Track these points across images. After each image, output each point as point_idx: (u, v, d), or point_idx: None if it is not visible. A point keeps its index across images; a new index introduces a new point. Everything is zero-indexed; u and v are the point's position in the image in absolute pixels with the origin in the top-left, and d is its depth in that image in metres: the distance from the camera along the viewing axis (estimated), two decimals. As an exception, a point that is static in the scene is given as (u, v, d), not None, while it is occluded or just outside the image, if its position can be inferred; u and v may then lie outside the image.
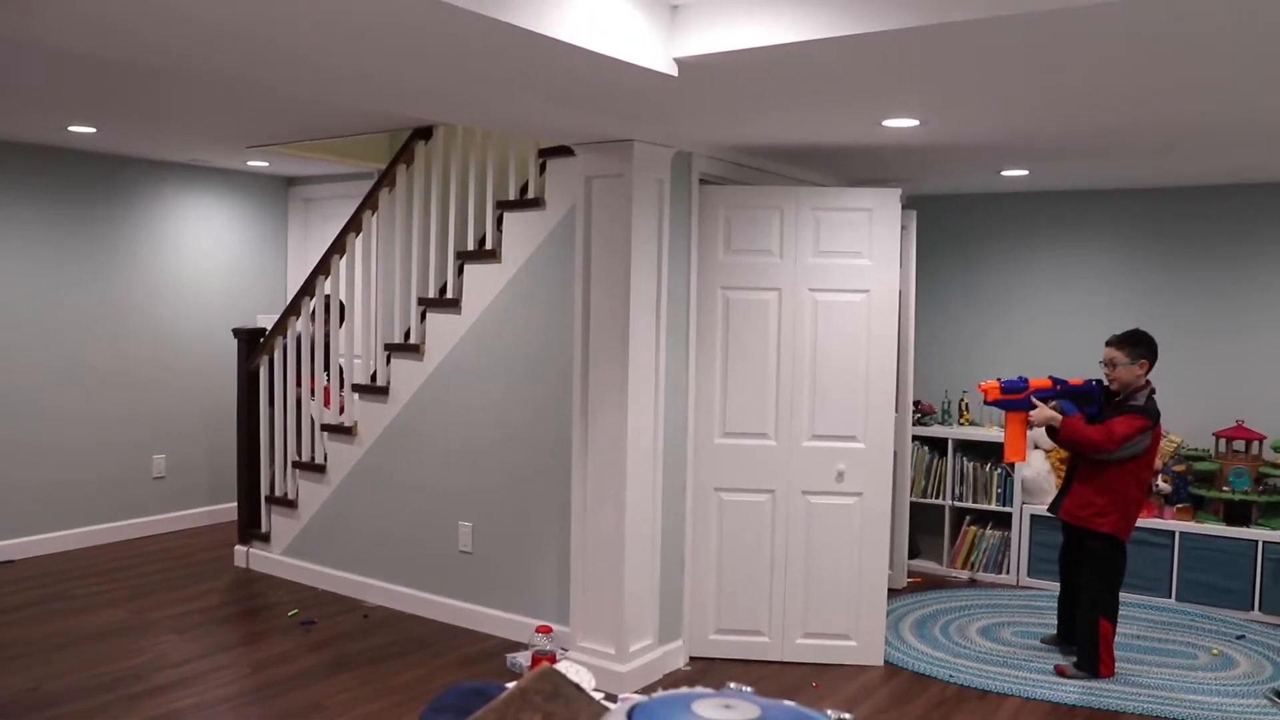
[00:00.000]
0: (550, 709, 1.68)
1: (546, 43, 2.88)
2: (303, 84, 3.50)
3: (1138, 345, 4.94)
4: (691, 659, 5.16)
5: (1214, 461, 6.17)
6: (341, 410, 6.17)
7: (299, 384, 6.42)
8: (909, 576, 6.61)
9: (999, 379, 5.10)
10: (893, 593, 6.17)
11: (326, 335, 6.30)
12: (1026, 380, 5.07)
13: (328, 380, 6.32)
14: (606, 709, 1.58)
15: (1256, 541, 5.92)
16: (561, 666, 1.85)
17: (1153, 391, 4.95)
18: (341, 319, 6.26)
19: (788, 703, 1.22)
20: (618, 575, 4.73)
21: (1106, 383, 5.06)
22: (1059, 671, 5.02)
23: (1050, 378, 5.12)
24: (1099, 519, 4.92)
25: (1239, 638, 5.61)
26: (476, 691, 1.85)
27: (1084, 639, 5.04)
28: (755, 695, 1.21)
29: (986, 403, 5.10)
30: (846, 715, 1.15)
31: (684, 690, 1.24)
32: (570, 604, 4.95)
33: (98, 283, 7.10)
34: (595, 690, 1.82)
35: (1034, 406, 5.03)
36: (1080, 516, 4.99)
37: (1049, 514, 5.38)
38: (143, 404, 7.35)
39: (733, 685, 1.27)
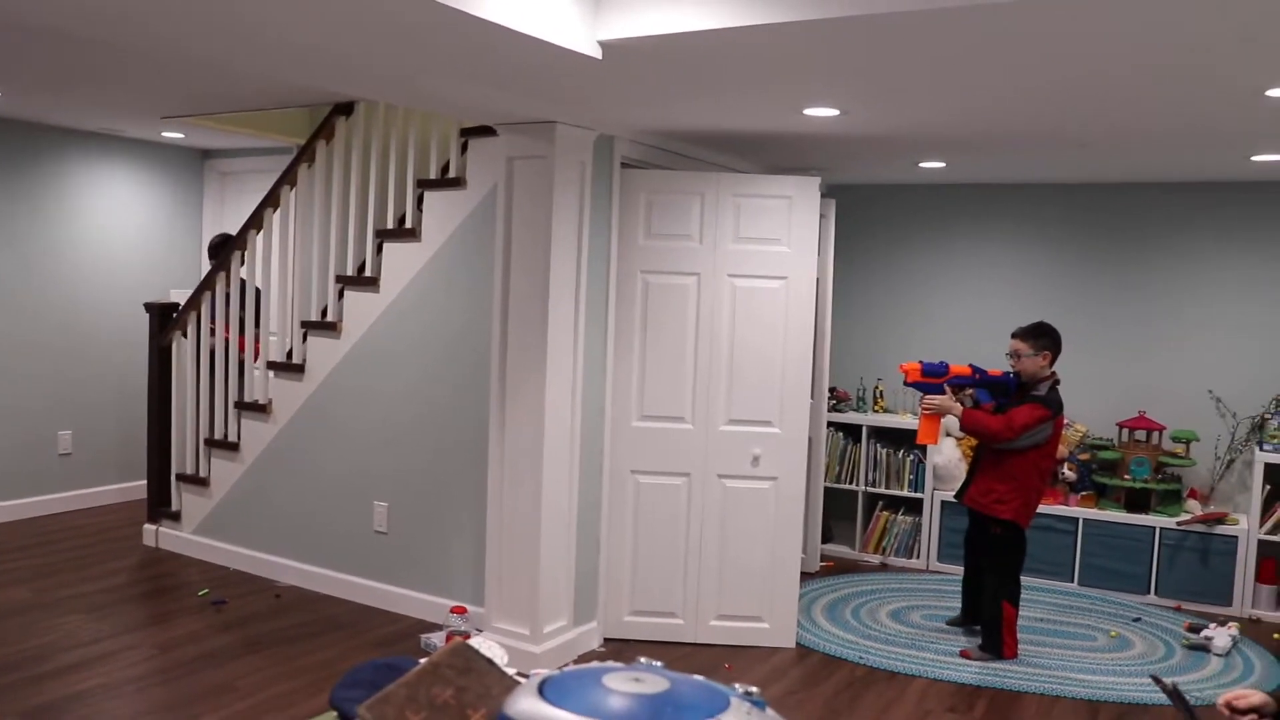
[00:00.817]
0: (463, 683, 1.69)
1: (470, 21, 2.86)
2: (224, 51, 3.42)
3: (1041, 337, 5.06)
4: (606, 640, 5.19)
5: (1117, 451, 6.36)
6: (256, 358, 6.09)
7: (212, 333, 6.29)
8: (822, 560, 6.71)
9: (921, 361, 5.19)
10: (806, 576, 6.25)
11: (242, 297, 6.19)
12: (947, 365, 5.16)
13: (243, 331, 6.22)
14: (518, 683, 1.59)
15: (1154, 528, 6.11)
16: (474, 642, 1.86)
17: (1056, 382, 5.08)
18: (257, 304, 6.15)
19: (697, 677, 1.24)
20: (533, 556, 4.74)
21: (1015, 373, 5.18)
22: (964, 655, 5.14)
23: (970, 365, 5.23)
24: (1000, 506, 5.04)
25: (1136, 620, 5.79)
26: (389, 667, 1.85)
27: (988, 622, 5.17)
28: (665, 670, 1.23)
29: (907, 383, 5.18)
30: (754, 689, 1.17)
31: (595, 664, 1.26)
32: (485, 585, 4.94)
33: (3, 253, 6.89)
34: (508, 667, 1.83)
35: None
36: (983, 503, 5.11)
37: (955, 500, 5.49)
38: (49, 378, 7.16)
39: (643, 660, 1.28)
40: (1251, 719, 2.33)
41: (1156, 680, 2.41)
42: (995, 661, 5.08)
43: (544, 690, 1.19)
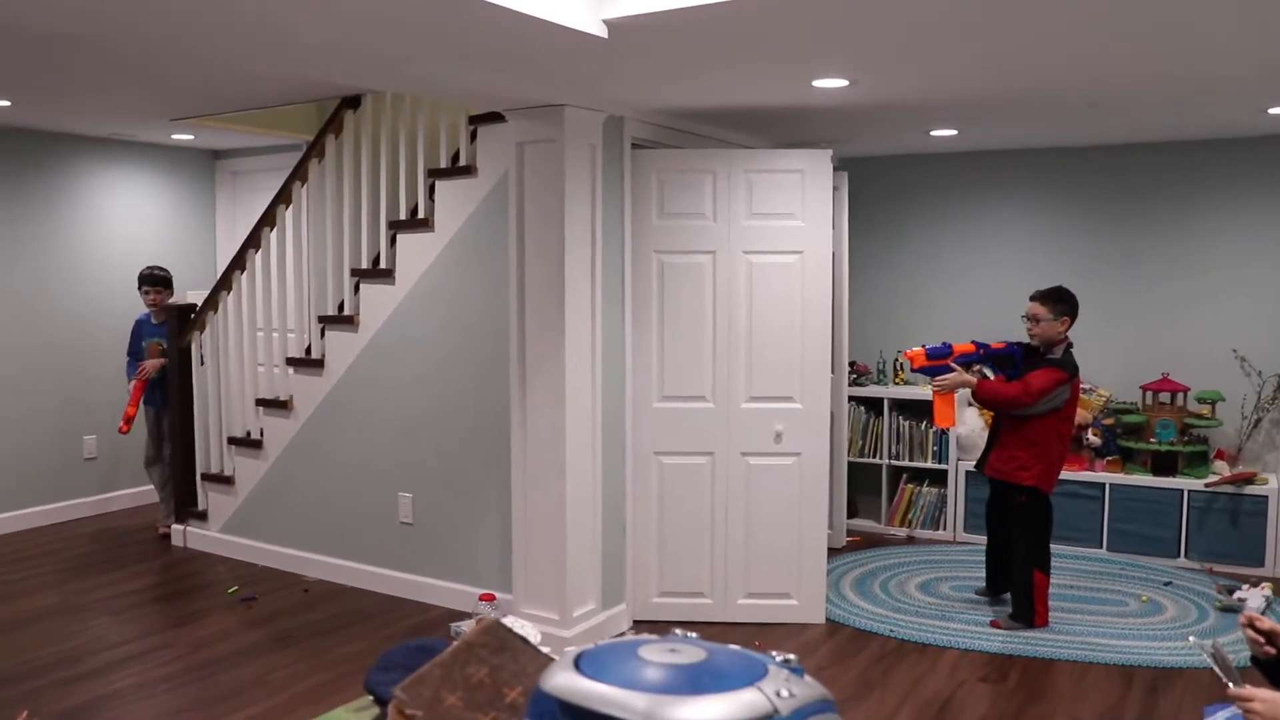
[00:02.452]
0: (497, 662, 1.68)
1: (474, 4, 2.84)
2: (228, 48, 3.42)
3: (1060, 302, 5.01)
4: (635, 622, 5.19)
5: (1141, 414, 6.31)
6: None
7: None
8: (848, 535, 6.69)
9: (924, 345, 5.16)
10: (832, 551, 6.24)
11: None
12: (950, 346, 5.13)
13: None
14: (552, 660, 1.58)
15: (1182, 490, 6.07)
16: (507, 621, 1.85)
17: (1070, 346, 5.04)
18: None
19: (733, 647, 1.23)
20: (559, 541, 4.74)
21: (1028, 338, 5.14)
22: (995, 625, 5.12)
23: (973, 342, 5.20)
24: (1022, 473, 5.01)
25: (1166, 584, 5.76)
26: (423, 649, 1.85)
27: (1018, 591, 5.14)
28: (701, 640, 1.22)
29: (913, 369, 5.16)
30: (791, 657, 1.16)
31: (630, 637, 1.25)
32: (513, 571, 4.95)
33: (21, 262, 6.92)
34: (541, 646, 1.83)
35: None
36: (1004, 471, 5.08)
37: (976, 471, 5.46)
38: (72, 385, 7.19)
39: (678, 631, 1.27)
40: (1266, 648, 2.31)
41: (1198, 644, 2.37)
42: (1026, 630, 5.06)
43: (580, 664, 1.18)
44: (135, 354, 6.75)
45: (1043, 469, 5.00)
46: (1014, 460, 5.03)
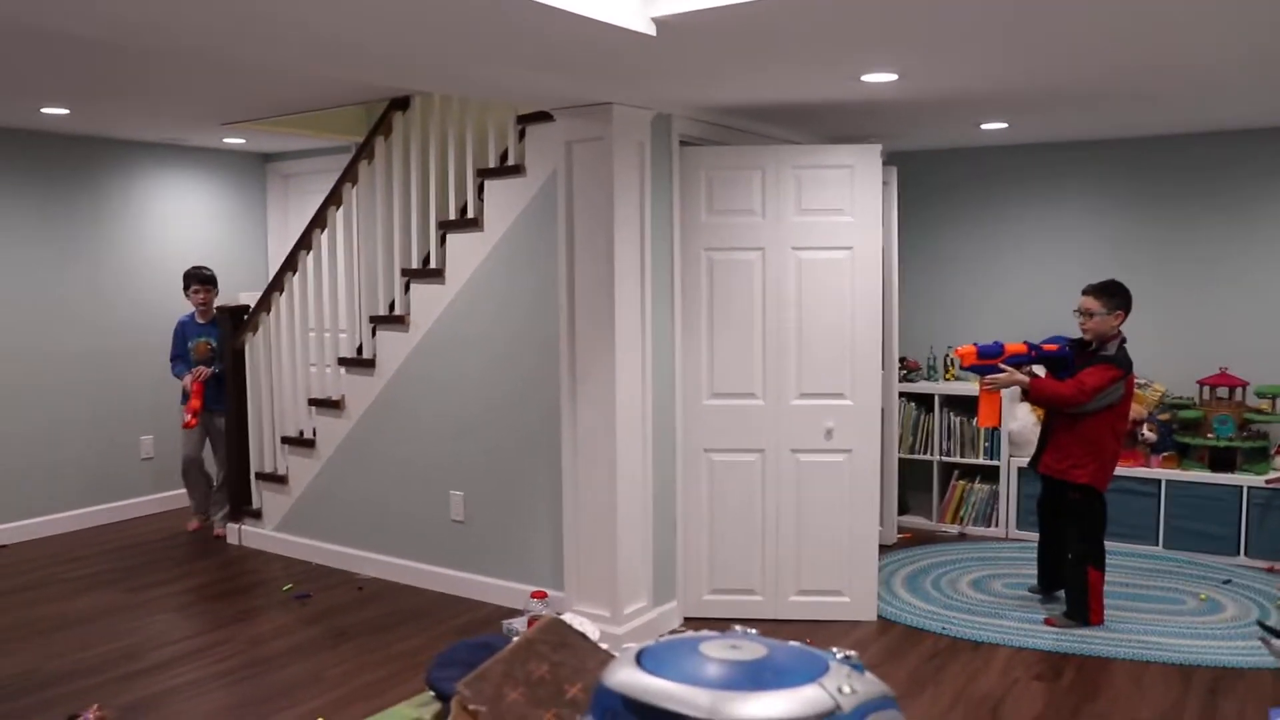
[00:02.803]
0: (558, 658, 1.69)
1: (522, 4, 2.85)
2: (279, 54, 3.46)
3: (1115, 296, 4.95)
4: (686, 620, 5.19)
5: (1198, 409, 6.22)
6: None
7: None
8: (899, 532, 6.65)
9: (975, 344, 5.11)
10: (884, 548, 6.21)
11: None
12: (1002, 345, 5.08)
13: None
14: (613, 656, 1.59)
15: (1241, 487, 5.98)
16: (566, 618, 1.86)
17: (1123, 341, 4.97)
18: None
19: (793, 643, 1.23)
20: (611, 538, 4.75)
21: (1080, 333, 5.08)
22: (1049, 623, 5.07)
23: (1026, 343, 5.15)
24: (1077, 470, 4.96)
25: (1226, 582, 5.67)
26: (483, 645, 1.86)
27: (1073, 589, 5.08)
28: (761, 637, 1.22)
29: (963, 367, 5.12)
30: (852, 653, 1.16)
31: (691, 634, 1.25)
32: (564, 569, 4.97)
33: (78, 266, 7.05)
34: (600, 643, 1.84)
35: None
36: (1059, 469, 5.02)
37: (1029, 469, 5.40)
38: (129, 385, 7.32)
39: (739, 628, 1.27)
40: None
41: (1264, 627, 2.33)
42: (1081, 629, 5.01)
43: (642, 660, 1.19)
44: (180, 357, 6.79)
45: (1097, 466, 4.95)
46: (1068, 458, 4.98)
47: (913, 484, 7.03)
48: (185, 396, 6.68)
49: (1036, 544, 5.48)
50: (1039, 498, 5.38)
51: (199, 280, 6.75)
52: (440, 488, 5.65)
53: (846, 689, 1.07)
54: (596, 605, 4.83)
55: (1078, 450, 4.95)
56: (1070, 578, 5.10)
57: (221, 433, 6.77)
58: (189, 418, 6.61)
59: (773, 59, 3.82)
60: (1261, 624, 2.32)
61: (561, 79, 4.03)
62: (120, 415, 7.26)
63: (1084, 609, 5.03)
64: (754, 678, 1.08)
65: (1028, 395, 5.04)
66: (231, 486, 6.67)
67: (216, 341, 6.72)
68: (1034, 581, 5.55)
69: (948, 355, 6.98)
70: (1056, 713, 4.17)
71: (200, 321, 6.78)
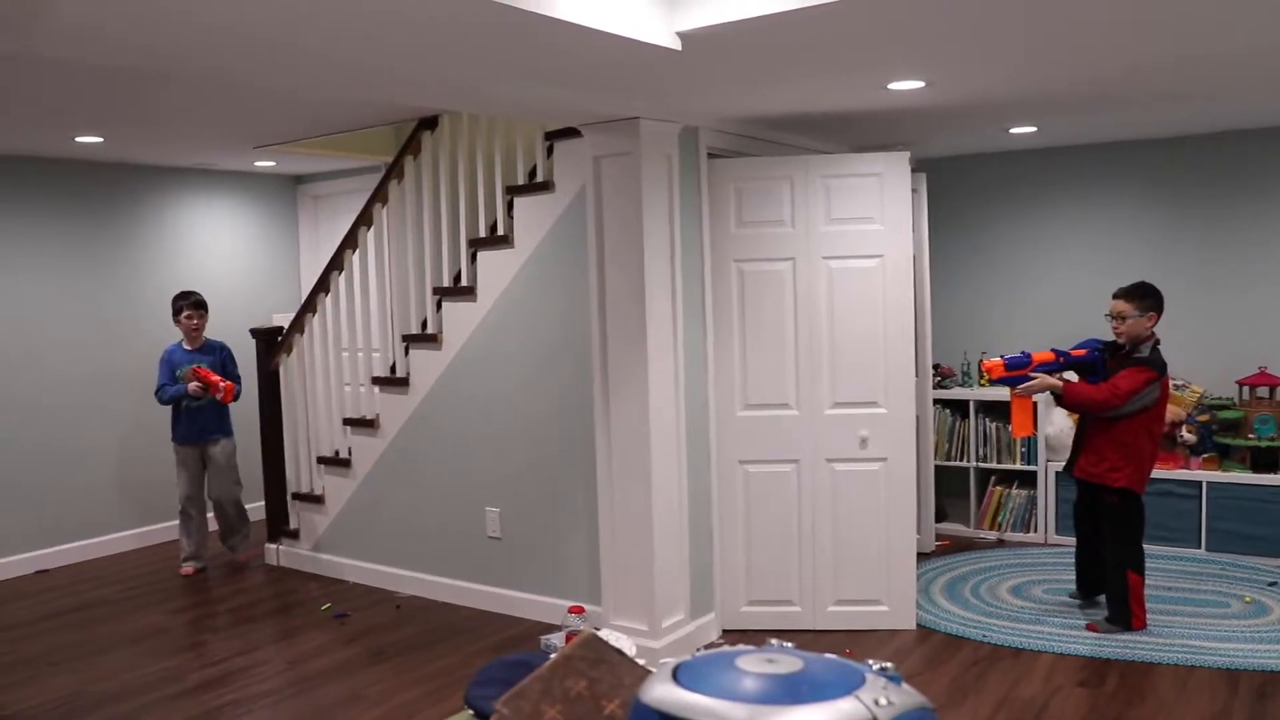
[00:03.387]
0: (595, 675, 1.69)
1: (547, 23, 2.87)
2: (308, 81, 3.50)
3: (1146, 297, 4.91)
4: (724, 632, 5.17)
5: (1238, 409, 6.15)
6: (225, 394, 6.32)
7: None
8: (937, 540, 6.61)
9: (1002, 356, 5.08)
10: (922, 556, 6.16)
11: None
12: (1029, 355, 5.06)
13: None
14: (649, 672, 1.59)
15: (1284, 487, 5.90)
16: (603, 634, 1.86)
17: (1157, 343, 4.93)
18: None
19: (829, 656, 1.23)
20: (647, 552, 4.75)
21: (1113, 335, 5.04)
22: (1091, 629, 5.02)
23: (1053, 350, 5.13)
24: (1114, 474, 4.91)
25: (1272, 584, 5.60)
26: (520, 663, 1.86)
27: (1114, 594, 5.03)
28: (797, 650, 1.22)
29: (991, 380, 5.09)
30: (889, 665, 1.15)
31: (727, 648, 1.25)
32: (601, 583, 4.97)
33: (112, 291, 7.14)
34: (636, 658, 1.83)
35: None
36: (1095, 474, 4.98)
37: (1064, 474, 5.34)
38: (162, 410, 7.35)
39: (774, 642, 1.27)
40: None
41: None
42: (1124, 634, 4.95)
43: (678, 675, 1.19)
44: (167, 387, 6.40)
45: (1134, 470, 4.90)
46: (1104, 462, 4.94)
47: (950, 491, 6.99)
48: (184, 393, 6.30)
49: (1075, 549, 5.43)
50: (1075, 502, 5.33)
51: (191, 305, 6.42)
52: (476, 504, 5.67)
53: (883, 701, 1.07)
54: (634, 619, 4.82)
55: (1114, 454, 4.91)
56: (1110, 583, 5.05)
57: (220, 464, 6.51)
58: (224, 394, 6.25)
59: (798, 70, 3.83)
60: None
61: (588, 95, 4.05)
62: (159, 439, 7.28)
63: (1126, 614, 4.98)
64: (790, 691, 1.08)
65: (1061, 400, 5.00)
66: (270, 507, 6.70)
67: (208, 368, 6.36)
68: (1074, 587, 5.50)
69: (982, 361, 6.92)
70: (1101, 719, 4.13)
71: (188, 348, 6.46)
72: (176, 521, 6.76)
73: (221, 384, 6.26)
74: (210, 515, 6.67)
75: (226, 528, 6.67)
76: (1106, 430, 4.93)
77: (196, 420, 6.44)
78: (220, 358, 6.53)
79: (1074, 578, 5.51)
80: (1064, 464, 5.41)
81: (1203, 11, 3.25)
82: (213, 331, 7.04)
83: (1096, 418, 4.96)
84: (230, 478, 6.59)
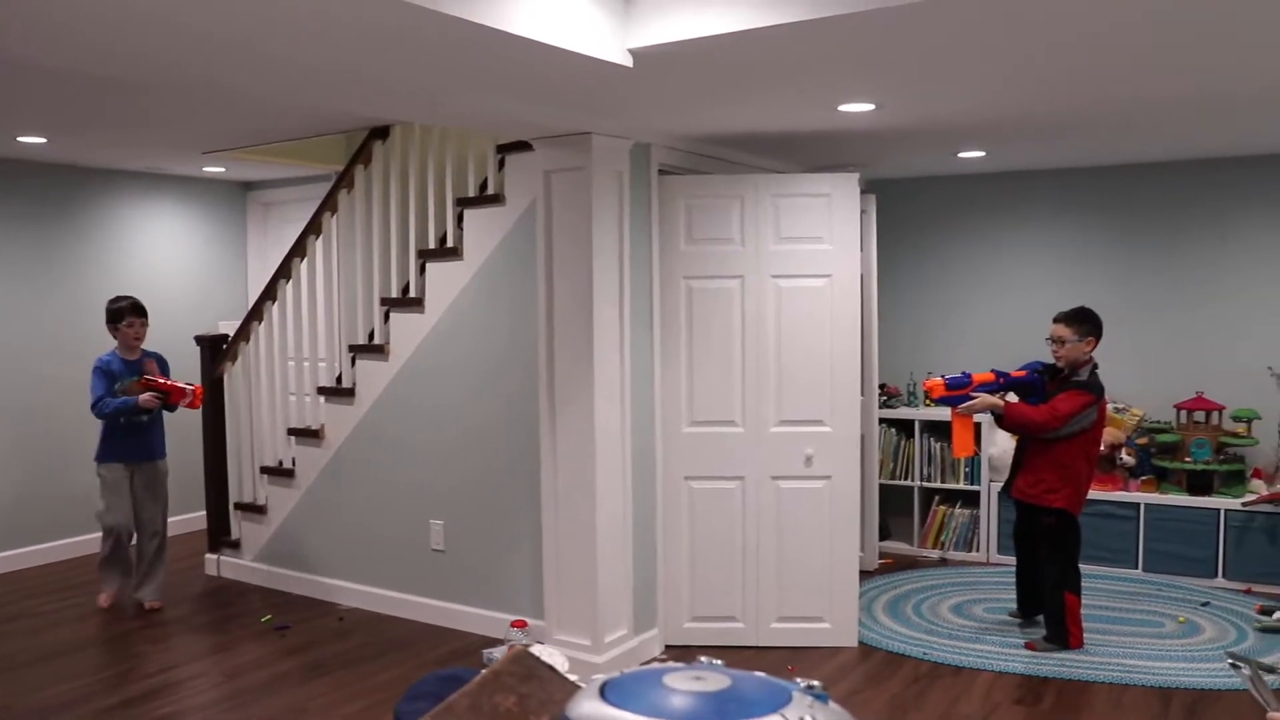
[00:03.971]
0: (525, 690, 1.68)
1: (500, 37, 2.88)
2: (260, 84, 3.48)
3: (1085, 322, 5.00)
4: (667, 647, 5.17)
5: (1176, 433, 6.26)
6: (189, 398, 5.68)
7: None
8: (880, 558, 6.66)
9: (943, 376, 5.14)
10: (865, 574, 6.20)
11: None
12: (970, 375, 5.11)
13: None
14: (580, 688, 1.58)
15: (1219, 510, 6.01)
16: (535, 649, 1.85)
17: (1095, 367, 5.02)
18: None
19: (758, 674, 1.23)
20: (591, 567, 4.74)
21: (1053, 360, 5.12)
22: (1029, 648, 5.07)
23: (993, 371, 5.19)
24: (1051, 495, 4.99)
25: (1204, 604, 5.69)
26: (452, 678, 1.84)
27: (1051, 614, 5.10)
28: (726, 667, 1.22)
29: (932, 400, 5.15)
30: (816, 683, 1.16)
31: (655, 665, 1.25)
32: (545, 597, 4.95)
33: (55, 295, 7.02)
34: (570, 674, 1.83)
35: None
36: (1032, 494, 5.05)
37: (1002, 494, 5.40)
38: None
39: (703, 659, 1.27)
40: None
41: (1234, 659, 2.32)
42: (1061, 652, 5.01)
43: (606, 692, 1.18)
44: (105, 399, 5.66)
45: (1070, 491, 4.98)
46: (1041, 483, 5.01)
47: (894, 510, 7.04)
48: (131, 406, 5.62)
49: (1015, 569, 5.49)
50: (1015, 523, 5.40)
51: (137, 312, 5.77)
52: (420, 517, 5.63)
53: (809, 719, 1.08)
54: (577, 634, 4.81)
55: (1051, 475, 4.98)
56: (1048, 602, 5.12)
57: (158, 488, 5.88)
58: (194, 399, 5.67)
59: (748, 90, 3.85)
60: (1230, 654, 2.34)
61: (540, 109, 4.05)
62: (94, 446, 7.17)
63: (1063, 633, 5.04)
64: (717, 709, 1.08)
65: (1001, 421, 5.06)
66: (211, 517, 6.62)
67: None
68: (1014, 606, 5.56)
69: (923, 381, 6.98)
70: (1036, 738, 4.17)
71: (127, 358, 5.77)
72: (99, 551, 5.97)
73: (190, 388, 5.68)
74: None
75: (147, 568, 5.91)
76: (1044, 452, 5.00)
77: (139, 437, 5.78)
78: (160, 369, 5.88)
79: (1014, 597, 5.57)
80: (1002, 485, 5.46)
81: (1146, 55, 3.31)
82: (157, 338, 6.89)
83: (1034, 439, 5.03)
84: (165, 505, 5.95)
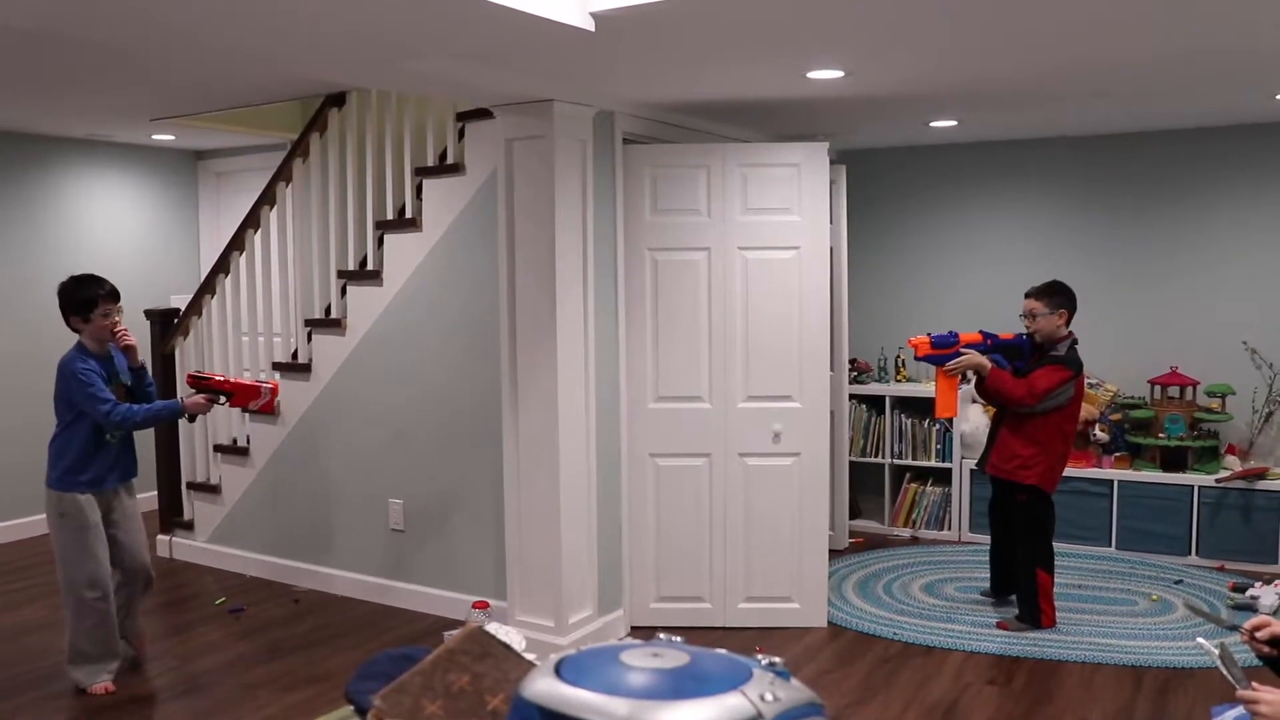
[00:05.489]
0: (480, 669, 1.59)
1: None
2: (208, 31, 3.30)
3: (1056, 295, 4.94)
4: (633, 629, 5.08)
5: (1150, 409, 6.21)
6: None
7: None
8: (851, 537, 6.58)
9: (929, 334, 5.05)
10: (835, 553, 6.13)
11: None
12: (957, 335, 5.03)
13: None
14: (535, 666, 1.49)
15: (1192, 487, 5.96)
16: (491, 628, 1.75)
17: (1074, 342, 4.94)
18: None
19: (719, 651, 1.19)
20: (554, 546, 4.62)
21: (1028, 334, 5.05)
22: (1001, 627, 5.00)
23: (981, 332, 5.10)
24: (1025, 471, 4.91)
25: (1177, 582, 5.65)
26: (405, 657, 1.79)
27: (1023, 592, 5.04)
28: (685, 644, 1.18)
29: (917, 358, 5.05)
30: (777, 660, 1.15)
31: (613, 642, 1.21)
32: (507, 578, 4.84)
33: None
34: (527, 652, 1.72)
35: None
36: (1006, 470, 4.97)
37: (977, 469, 5.33)
38: (50, 394, 7.05)
39: (662, 635, 1.23)
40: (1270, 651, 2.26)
41: (1206, 644, 2.34)
42: (1034, 631, 4.94)
43: (561, 670, 1.16)
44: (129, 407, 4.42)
45: (1045, 468, 4.91)
46: (1015, 459, 4.93)
47: (864, 488, 6.96)
48: (178, 413, 4.62)
49: (989, 547, 5.42)
50: (991, 501, 5.32)
51: (113, 297, 4.47)
52: (379, 496, 5.49)
53: (769, 696, 1.05)
54: (540, 615, 4.70)
55: (1025, 451, 4.90)
56: (1021, 581, 5.05)
57: (137, 515, 4.61)
58: (268, 401, 4.74)
59: (713, 55, 3.74)
60: (1198, 612, 2.38)
61: (500, 74, 3.93)
62: (45, 423, 6.94)
63: (1035, 612, 4.98)
64: (674, 686, 1.05)
65: (982, 384, 4.96)
66: (162, 497, 6.45)
67: (123, 374, 4.61)
68: (987, 585, 5.49)
69: (899, 356, 6.92)
70: (1009, 717, 4.10)
71: (98, 355, 4.51)
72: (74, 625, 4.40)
73: (266, 386, 4.75)
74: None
75: (130, 610, 4.61)
76: (1019, 426, 4.92)
77: (124, 451, 4.55)
78: (122, 360, 4.63)
79: (987, 576, 5.50)
80: (976, 460, 5.39)
81: (1117, 16, 3.22)
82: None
83: (1010, 413, 4.96)
84: (143, 532, 4.69)
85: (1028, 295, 5.02)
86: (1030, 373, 4.90)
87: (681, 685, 1.04)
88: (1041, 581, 4.97)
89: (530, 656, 1.69)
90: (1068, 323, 4.95)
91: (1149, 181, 6.41)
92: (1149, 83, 4.60)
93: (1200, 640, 2.43)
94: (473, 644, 1.67)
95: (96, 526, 4.38)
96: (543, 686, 1.14)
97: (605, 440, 4.88)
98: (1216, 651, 2.22)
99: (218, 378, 4.73)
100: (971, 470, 6.46)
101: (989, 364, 4.91)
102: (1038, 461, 4.89)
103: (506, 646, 1.67)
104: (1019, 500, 4.99)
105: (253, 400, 4.72)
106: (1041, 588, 4.97)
